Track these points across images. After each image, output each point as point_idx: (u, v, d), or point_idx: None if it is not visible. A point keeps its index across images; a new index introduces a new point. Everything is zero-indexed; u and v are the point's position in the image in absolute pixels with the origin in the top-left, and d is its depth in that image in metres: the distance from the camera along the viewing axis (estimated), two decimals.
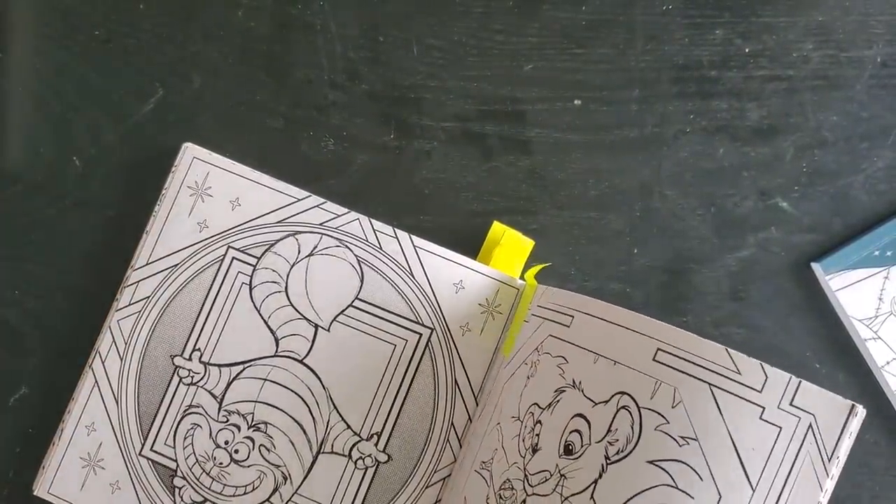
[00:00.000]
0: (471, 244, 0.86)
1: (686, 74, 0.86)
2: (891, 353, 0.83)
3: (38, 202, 0.88)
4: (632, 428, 0.69)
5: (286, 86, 0.88)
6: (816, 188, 0.86)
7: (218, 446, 0.83)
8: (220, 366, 0.84)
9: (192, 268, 0.84)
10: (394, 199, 0.87)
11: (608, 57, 0.87)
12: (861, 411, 0.65)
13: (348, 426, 0.83)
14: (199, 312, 0.84)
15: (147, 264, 0.84)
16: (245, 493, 0.83)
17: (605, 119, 0.87)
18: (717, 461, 0.66)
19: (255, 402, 0.83)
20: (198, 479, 0.83)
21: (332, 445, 0.83)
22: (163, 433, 0.84)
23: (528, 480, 0.73)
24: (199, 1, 0.88)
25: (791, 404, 0.65)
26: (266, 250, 0.84)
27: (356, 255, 0.84)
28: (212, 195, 0.84)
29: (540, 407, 0.75)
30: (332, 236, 0.84)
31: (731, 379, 0.66)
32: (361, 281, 0.84)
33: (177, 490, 0.84)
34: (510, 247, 0.85)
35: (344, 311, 0.84)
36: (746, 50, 0.86)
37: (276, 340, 0.84)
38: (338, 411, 0.83)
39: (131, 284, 0.84)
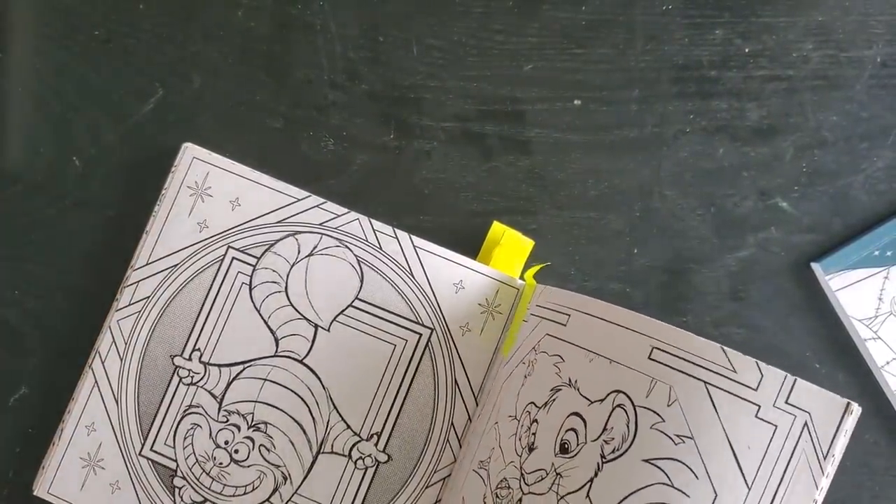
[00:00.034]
0: (471, 244, 0.86)
1: (686, 74, 0.87)
2: (890, 352, 0.84)
3: (38, 202, 0.88)
4: (627, 426, 0.69)
5: (286, 86, 0.88)
6: (816, 188, 0.86)
7: (218, 446, 0.84)
8: (220, 366, 0.84)
9: (191, 268, 0.85)
10: (394, 199, 0.87)
11: (608, 57, 0.87)
12: (856, 409, 0.66)
13: (348, 426, 0.84)
14: (199, 312, 0.85)
15: (147, 264, 0.85)
16: (245, 493, 0.84)
17: (605, 119, 0.87)
18: (712, 459, 0.66)
19: (255, 402, 0.84)
20: (198, 479, 0.84)
21: (332, 445, 0.84)
22: (163, 433, 0.84)
23: (524, 479, 0.74)
24: (199, 1, 0.89)
25: (787, 402, 0.66)
26: (266, 250, 0.85)
27: (356, 255, 0.84)
28: (212, 195, 0.85)
29: (536, 406, 0.75)
30: (331, 236, 0.84)
31: (726, 377, 0.67)
32: (361, 281, 0.84)
33: (177, 490, 0.84)
34: (510, 247, 0.85)
35: (344, 311, 0.84)
36: (746, 50, 0.87)
37: (276, 340, 0.84)
38: (338, 411, 0.84)
39: (131, 284, 0.85)
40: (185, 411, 0.84)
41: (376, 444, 0.84)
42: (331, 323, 0.84)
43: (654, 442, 0.68)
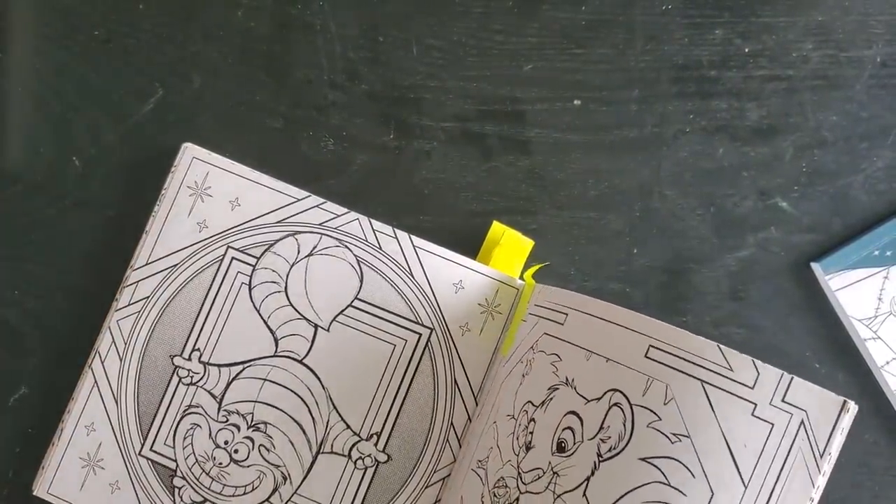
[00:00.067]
0: (470, 244, 0.87)
1: (686, 74, 0.87)
2: (890, 352, 0.84)
3: (38, 202, 0.88)
4: (624, 425, 0.69)
5: (286, 86, 0.89)
6: (816, 188, 0.86)
7: (217, 446, 0.84)
8: (219, 366, 0.85)
9: (191, 268, 0.85)
10: (393, 199, 0.88)
11: (608, 57, 0.88)
12: (853, 407, 0.66)
13: (348, 426, 0.84)
14: (199, 312, 0.85)
15: (147, 264, 0.85)
16: (245, 493, 0.84)
17: (605, 119, 0.87)
18: (709, 458, 0.66)
19: (255, 402, 0.84)
20: (197, 479, 0.84)
21: (332, 445, 0.84)
22: (162, 433, 0.85)
23: (521, 478, 0.74)
24: (199, 1, 0.89)
25: (783, 400, 0.66)
26: (266, 250, 0.85)
27: (356, 255, 0.85)
28: (211, 195, 0.85)
29: (534, 405, 0.75)
30: (331, 236, 0.85)
31: (722, 375, 0.67)
32: (361, 281, 0.85)
33: (176, 490, 0.85)
34: (510, 247, 0.85)
35: (343, 311, 0.84)
36: (746, 50, 0.87)
37: (276, 340, 0.85)
38: (337, 411, 0.84)
39: (131, 284, 0.85)
40: (184, 411, 0.85)
41: (376, 444, 0.84)
42: (330, 323, 0.84)
43: (650, 440, 0.68)
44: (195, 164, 0.86)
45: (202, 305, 0.85)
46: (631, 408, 0.69)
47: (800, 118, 0.87)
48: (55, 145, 0.89)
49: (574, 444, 0.71)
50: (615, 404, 0.70)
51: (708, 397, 0.67)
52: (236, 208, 0.85)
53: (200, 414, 0.85)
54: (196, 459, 0.85)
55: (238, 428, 0.84)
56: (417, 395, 0.84)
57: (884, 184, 0.87)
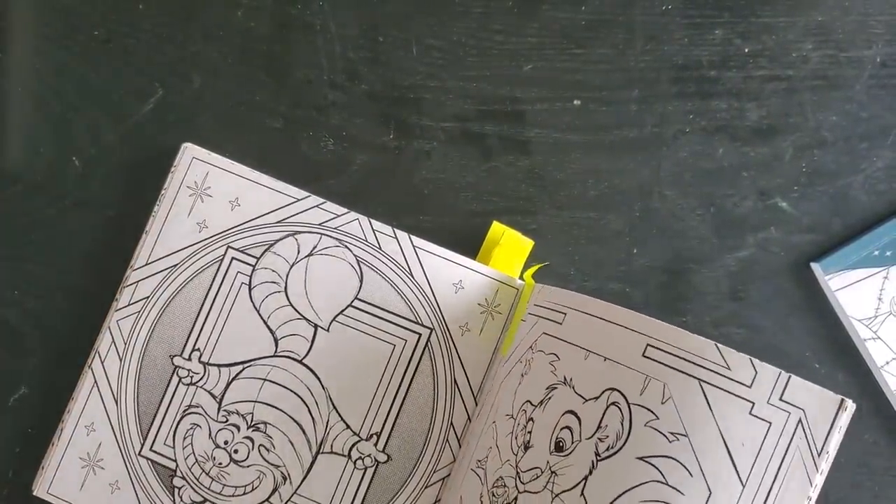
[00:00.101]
0: (470, 244, 0.87)
1: (686, 74, 0.87)
2: (890, 352, 0.84)
3: (38, 202, 0.89)
4: (621, 424, 0.69)
5: (286, 86, 0.89)
6: (816, 188, 0.87)
7: (217, 446, 0.84)
8: (219, 366, 0.85)
9: (191, 268, 0.86)
10: (393, 199, 0.88)
11: (608, 57, 0.88)
12: (851, 406, 0.66)
13: (348, 426, 0.84)
14: (199, 312, 0.85)
15: (146, 264, 0.86)
16: (244, 494, 0.84)
17: (605, 119, 0.88)
18: (706, 457, 0.67)
19: (255, 402, 0.85)
20: (197, 479, 0.85)
21: (332, 445, 0.84)
22: (162, 433, 0.85)
23: (519, 478, 0.74)
24: (199, 1, 0.89)
25: (781, 399, 0.66)
26: (265, 250, 0.85)
27: (355, 255, 0.85)
28: (211, 195, 0.86)
29: (532, 404, 0.76)
30: (331, 236, 0.85)
31: (720, 374, 0.67)
32: (361, 281, 0.85)
33: (176, 490, 0.85)
34: (509, 247, 0.86)
35: (343, 311, 0.85)
36: (746, 50, 0.87)
37: (276, 340, 0.85)
38: (337, 411, 0.84)
39: (131, 284, 0.86)
40: (184, 411, 0.85)
41: (376, 444, 0.84)
42: (330, 323, 0.85)
43: (648, 440, 0.68)
44: (195, 164, 0.86)
45: (202, 305, 0.86)
46: (629, 407, 0.69)
47: (800, 118, 0.87)
48: (55, 145, 0.89)
49: (572, 443, 0.72)
50: (613, 403, 0.70)
51: (706, 396, 0.67)
52: (236, 208, 0.86)
53: (200, 414, 0.85)
54: (196, 459, 0.85)
55: (238, 428, 0.85)
56: (417, 395, 0.84)
57: (884, 184, 0.87)
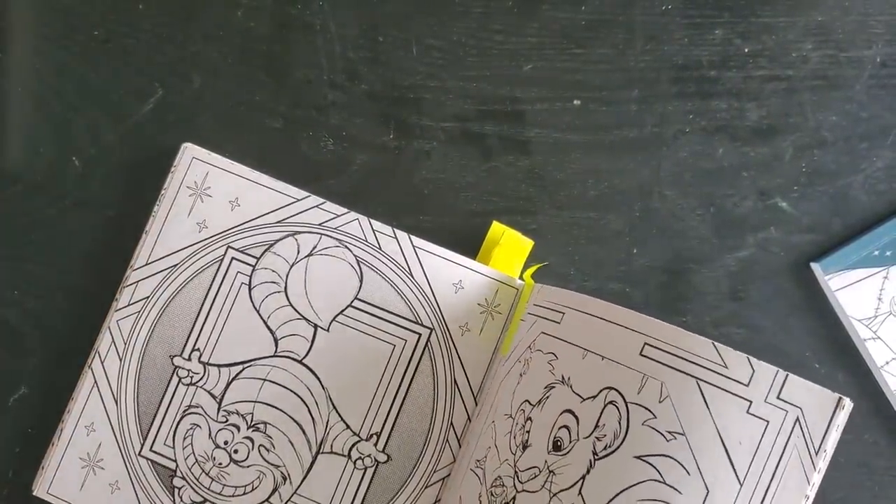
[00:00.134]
0: (470, 244, 0.87)
1: (686, 74, 0.88)
2: (890, 352, 0.85)
3: (38, 202, 0.89)
4: (619, 423, 0.70)
5: (286, 86, 0.89)
6: (816, 188, 0.87)
7: (217, 446, 0.85)
8: (219, 366, 0.85)
9: (191, 268, 0.86)
10: (393, 199, 0.88)
11: (608, 57, 0.88)
12: (848, 404, 0.67)
13: (347, 426, 0.85)
14: (199, 312, 0.86)
15: (146, 264, 0.86)
16: (244, 494, 0.85)
17: (605, 119, 0.88)
18: (704, 456, 0.67)
19: (255, 402, 0.85)
20: (197, 480, 0.85)
21: (332, 445, 0.85)
22: (162, 433, 0.86)
23: (518, 477, 0.74)
24: (199, 1, 0.90)
25: (778, 398, 0.67)
26: (265, 250, 0.86)
27: (355, 256, 0.85)
28: (211, 195, 0.86)
29: (531, 404, 0.76)
30: (331, 236, 0.85)
31: (717, 373, 0.68)
32: (361, 281, 0.85)
33: (176, 490, 0.85)
34: (509, 247, 0.86)
35: (343, 311, 0.85)
36: (746, 50, 0.88)
37: (276, 340, 0.85)
38: (337, 411, 0.85)
39: (131, 284, 0.86)
40: (184, 411, 0.86)
41: (376, 444, 0.85)
42: (330, 323, 0.85)
43: (645, 438, 0.69)
44: (195, 164, 0.86)
45: (202, 305, 0.86)
46: (626, 406, 0.70)
47: (800, 118, 0.88)
48: (55, 145, 0.90)
49: (570, 442, 0.72)
50: (610, 402, 0.71)
51: (703, 395, 0.68)
52: (236, 208, 0.86)
53: (200, 414, 0.85)
54: (196, 459, 0.85)
55: (238, 428, 0.85)
56: (417, 395, 0.85)
57: (884, 184, 0.87)
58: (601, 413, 0.71)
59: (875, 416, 0.86)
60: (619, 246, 0.88)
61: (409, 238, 0.86)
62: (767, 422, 0.67)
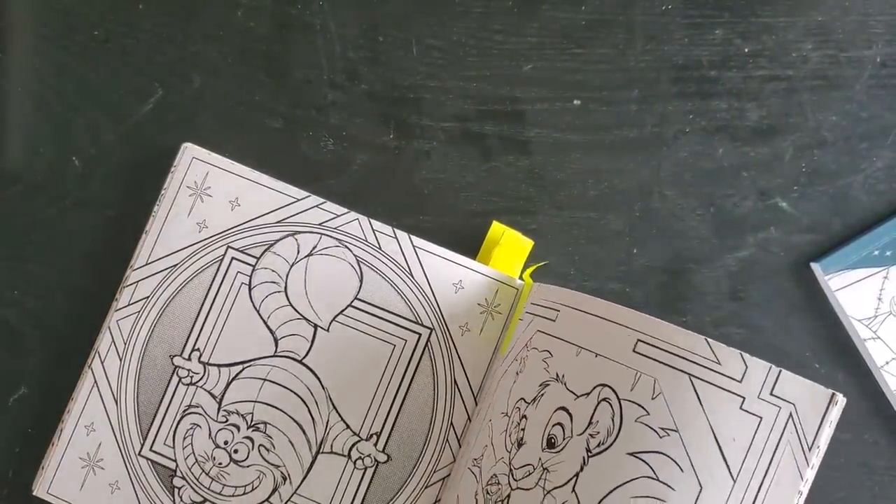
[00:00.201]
0: (470, 244, 0.89)
1: (686, 74, 0.89)
2: (890, 352, 0.86)
3: (38, 202, 0.91)
4: (612, 420, 0.71)
5: (286, 86, 0.91)
6: (816, 188, 0.88)
7: (217, 446, 0.86)
8: (219, 366, 0.87)
9: (191, 268, 0.87)
10: (393, 199, 0.90)
11: (608, 57, 0.90)
12: (841, 400, 0.68)
13: (347, 426, 0.86)
14: (199, 312, 0.87)
15: (146, 264, 0.87)
16: (244, 493, 0.86)
17: (605, 119, 0.89)
18: (697, 452, 0.68)
19: (255, 402, 0.86)
20: (197, 479, 0.87)
21: (332, 445, 0.86)
22: (162, 433, 0.87)
23: (512, 475, 0.76)
24: (199, 1, 0.91)
25: (771, 394, 0.68)
26: (265, 250, 0.87)
27: (355, 255, 0.87)
28: (211, 195, 0.87)
29: (526, 401, 0.77)
30: (331, 236, 0.87)
31: (710, 369, 0.69)
32: (361, 281, 0.87)
33: (176, 490, 0.87)
34: (509, 247, 0.87)
35: (343, 311, 0.87)
36: (746, 50, 0.89)
37: (276, 340, 0.87)
38: (337, 411, 0.86)
39: (131, 284, 0.87)
40: (184, 411, 0.87)
41: (376, 444, 0.86)
42: (330, 323, 0.87)
43: (638, 435, 0.70)
44: (195, 164, 0.88)
45: (202, 305, 0.87)
46: (619, 402, 0.71)
47: (800, 118, 0.89)
48: (55, 145, 0.91)
49: (563, 439, 0.73)
50: (604, 399, 0.72)
51: (696, 391, 0.69)
52: (236, 208, 0.87)
53: (200, 414, 0.87)
54: (196, 459, 0.87)
55: (238, 428, 0.86)
56: (417, 395, 0.86)
57: (884, 184, 0.88)
58: (594, 410, 0.72)
59: (875, 416, 0.87)
60: (619, 246, 0.89)
61: (409, 238, 0.87)
62: (760, 418, 0.68)
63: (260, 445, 0.87)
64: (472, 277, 0.87)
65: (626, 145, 0.90)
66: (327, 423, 0.87)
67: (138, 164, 0.91)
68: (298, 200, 0.88)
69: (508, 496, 0.76)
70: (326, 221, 0.88)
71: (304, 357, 0.87)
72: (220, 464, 0.87)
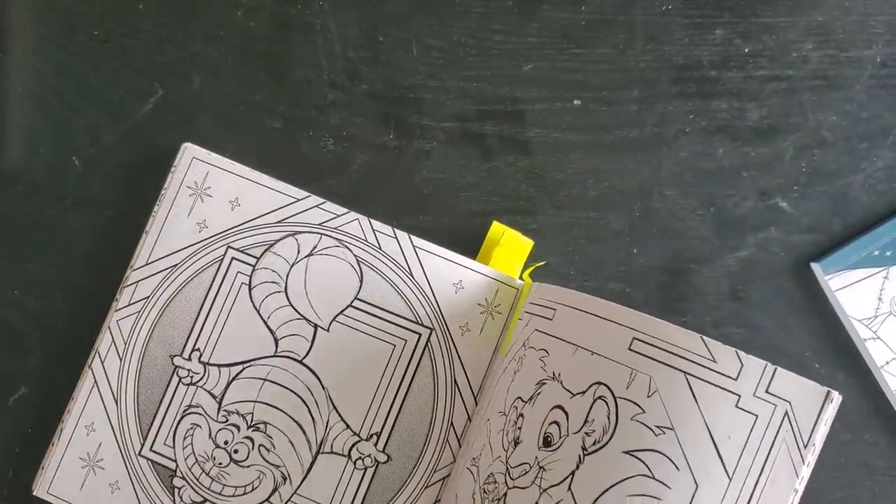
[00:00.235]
0: (470, 244, 0.90)
1: (686, 74, 0.90)
2: (890, 352, 0.87)
3: (38, 202, 0.91)
4: (608, 418, 0.71)
5: (286, 86, 0.91)
6: (816, 188, 0.89)
7: (217, 446, 0.87)
8: (219, 366, 0.88)
9: (191, 268, 0.88)
10: (393, 199, 0.91)
11: (608, 57, 0.90)
12: (837, 397, 0.68)
13: (348, 426, 0.87)
14: (199, 312, 0.88)
15: (146, 264, 0.88)
16: (244, 494, 0.87)
17: (605, 119, 0.90)
18: (693, 450, 0.69)
19: (255, 402, 0.87)
20: (197, 480, 0.87)
21: (332, 445, 0.87)
22: (162, 433, 0.88)
23: (509, 474, 0.76)
24: (199, 1, 0.92)
25: (767, 392, 0.68)
26: (265, 250, 0.88)
27: (355, 255, 0.87)
28: (211, 195, 0.88)
29: (523, 400, 0.78)
30: (331, 236, 0.88)
31: (706, 367, 0.69)
32: (361, 281, 0.87)
33: (176, 490, 0.88)
34: (509, 247, 0.88)
35: (343, 311, 0.87)
36: (746, 50, 0.90)
37: (276, 340, 0.88)
38: (337, 411, 0.87)
39: (131, 284, 0.88)
40: (184, 411, 0.88)
41: (376, 444, 0.87)
42: (330, 323, 0.87)
43: (634, 433, 0.70)
44: (195, 164, 0.88)
45: (202, 305, 0.88)
46: (615, 401, 0.72)
47: (800, 118, 0.90)
48: (55, 145, 0.92)
49: (560, 438, 0.74)
50: (599, 397, 0.72)
51: (692, 389, 0.70)
52: (236, 208, 0.88)
53: (200, 414, 0.88)
54: (196, 459, 0.88)
55: (238, 428, 0.87)
56: (417, 395, 0.87)
57: (884, 184, 0.89)
58: (590, 408, 0.73)
59: (875, 416, 0.88)
60: (619, 246, 0.90)
61: (409, 238, 0.88)
62: (756, 416, 0.69)
63: (260, 445, 0.87)
64: (472, 277, 0.88)
65: (627, 145, 0.91)
66: (327, 423, 0.87)
67: (138, 164, 0.92)
68: (298, 200, 0.89)
69: (505, 495, 0.76)
70: (326, 221, 0.88)
71: (304, 357, 0.88)
72: (220, 464, 0.88)
